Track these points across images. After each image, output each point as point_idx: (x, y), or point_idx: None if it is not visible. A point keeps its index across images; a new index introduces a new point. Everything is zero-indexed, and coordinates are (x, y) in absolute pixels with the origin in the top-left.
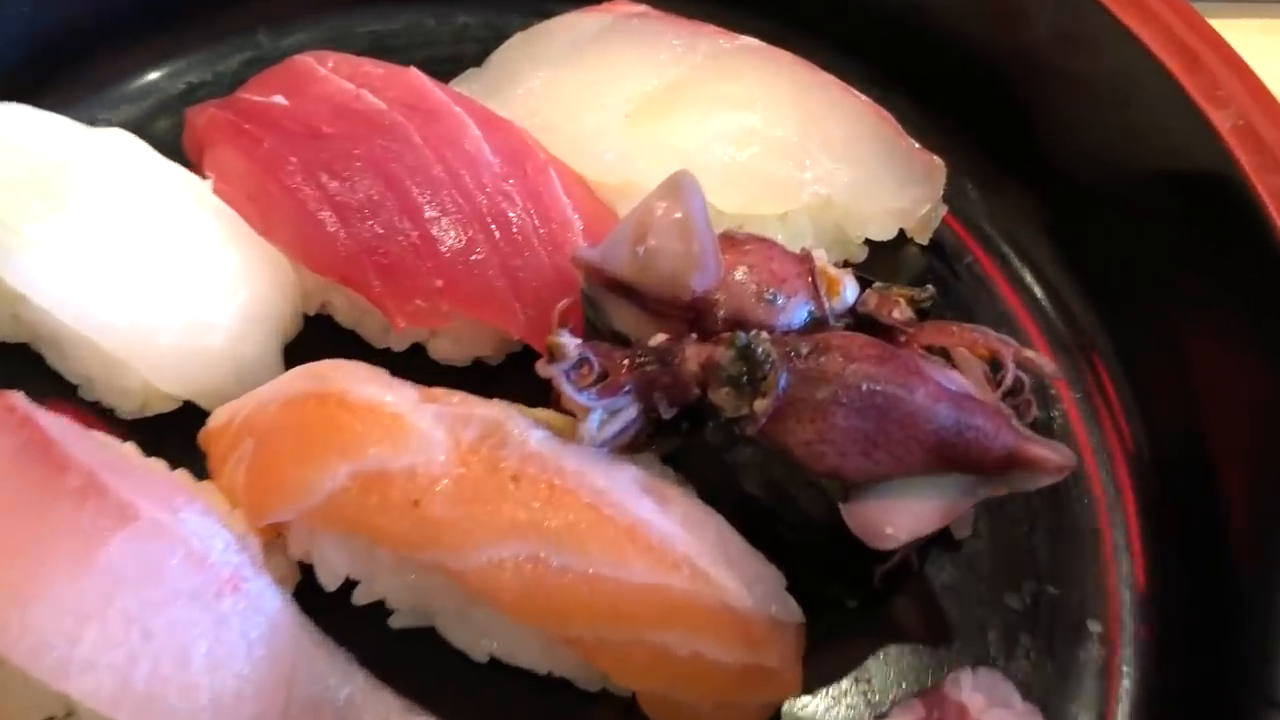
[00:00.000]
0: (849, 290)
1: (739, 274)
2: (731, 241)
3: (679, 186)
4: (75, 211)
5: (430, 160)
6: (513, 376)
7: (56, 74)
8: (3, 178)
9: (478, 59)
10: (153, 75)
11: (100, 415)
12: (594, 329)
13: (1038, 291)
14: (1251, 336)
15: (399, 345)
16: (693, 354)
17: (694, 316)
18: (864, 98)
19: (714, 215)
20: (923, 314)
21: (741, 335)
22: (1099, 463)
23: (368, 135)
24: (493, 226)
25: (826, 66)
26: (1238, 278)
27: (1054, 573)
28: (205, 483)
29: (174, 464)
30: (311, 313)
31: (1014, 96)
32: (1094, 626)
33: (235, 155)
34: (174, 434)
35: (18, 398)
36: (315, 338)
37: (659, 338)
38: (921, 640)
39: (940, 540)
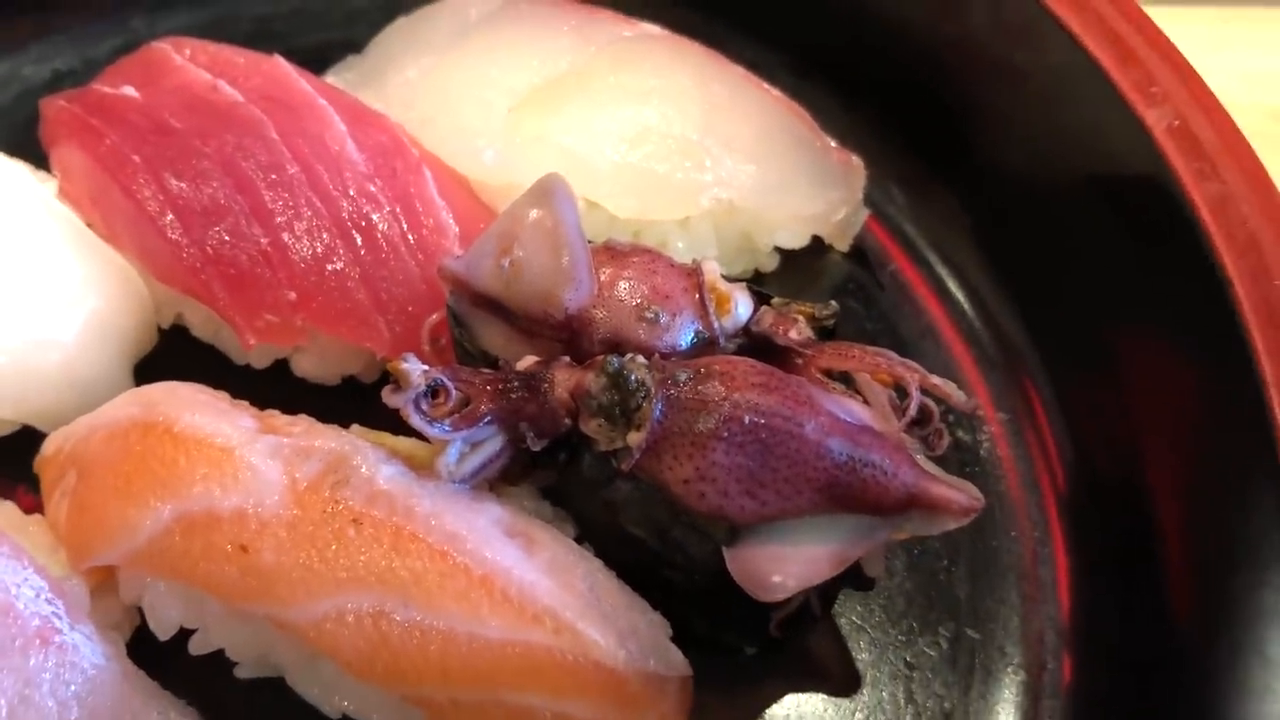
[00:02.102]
0: (741, 307)
1: (620, 289)
2: (613, 253)
3: (549, 191)
4: None
5: (286, 158)
6: None
7: None
8: None
9: None
10: (16, 61)
11: None
12: (463, 349)
13: (964, 303)
14: (1187, 355)
15: (260, 362)
16: (562, 379)
17: (569, 336)
18: (775, 91)
19: (607, 222)
20: (827, 333)
21: (613, 360)
22: (1026, 491)
23: (219, 130)
24: (354, 233)
25: (738, 56)
26: (1171, 293)
27: (974, 614)
28: (35, 516)
29: (13, 491)
30: (166, 325)
31: (943, 90)
32: (1016, 672)
33: (79, 153)
34: (15, 457)
35: None
36: (170, 353)
37: (528, 360)
38: (827, 690)
39: (850, 579)
